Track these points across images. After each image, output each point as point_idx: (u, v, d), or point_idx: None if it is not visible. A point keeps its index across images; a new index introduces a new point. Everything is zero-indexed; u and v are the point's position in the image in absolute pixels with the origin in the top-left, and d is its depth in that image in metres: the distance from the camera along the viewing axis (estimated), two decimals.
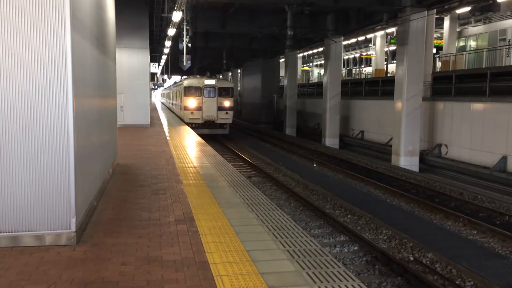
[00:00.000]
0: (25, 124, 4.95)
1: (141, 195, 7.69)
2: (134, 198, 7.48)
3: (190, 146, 14.84)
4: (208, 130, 26.00)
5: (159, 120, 28.10)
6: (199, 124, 25.89)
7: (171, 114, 37.80)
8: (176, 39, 24.83)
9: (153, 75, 43.61)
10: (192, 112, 25.83)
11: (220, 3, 24.34)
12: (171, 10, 18.08)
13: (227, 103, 26.36)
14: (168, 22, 21.84)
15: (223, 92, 26.38)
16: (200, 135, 19.79)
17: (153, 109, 43.31)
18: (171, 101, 43.81)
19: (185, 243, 5.26)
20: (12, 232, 5.04)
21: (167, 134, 18.88)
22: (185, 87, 26.29)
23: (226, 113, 26.29)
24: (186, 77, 32.83)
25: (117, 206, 7.01)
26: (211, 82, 26.53)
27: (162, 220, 6.19)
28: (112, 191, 8.06)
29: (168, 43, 26.57)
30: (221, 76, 56.84)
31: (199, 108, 25.90)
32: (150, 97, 34.63)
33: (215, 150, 14.19)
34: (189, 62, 23.14)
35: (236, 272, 4.40)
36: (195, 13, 24.58)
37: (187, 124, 25.17)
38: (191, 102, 25.88)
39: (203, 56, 41.83)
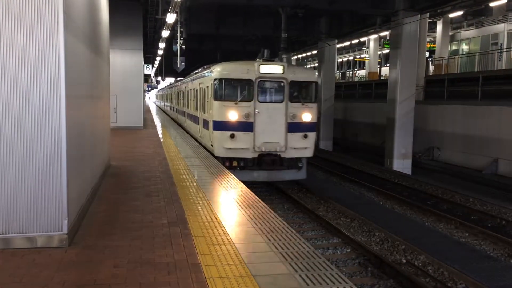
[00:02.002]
0: (17, 125, 4.91)
1: (134, 197, 7.66)
2: (127, 200, 7.45)
3: (183, 148, 14.80)
4: (265, 174, 12.96)
5: (153, 122, 28.01)
6: (246, 161, 12.79)
7: (167, 117, 37.08)
8: (170, 41, 24.83)
9: (146, 76, 43.48)
10: (231, 136, 12.53)
11: (214, 5, 24.35)
12: (165, 12, 18.09)
13: (307, 116, 12.95)
14: (162, 23, 21.84)
15: (298, 90, 13.15)
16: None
17: (147, 111, 43.17)
18: (173, 106, 31.26)
19: (178, 245, 5.24)
20: (3, 234, 4.99)
21: (160, 135, 18.83)
22: (217, 81, 12.93)
23: (305, 136, 12.87)
24: (211, 66, 15.48)
25: (110, 208, 6.97)
26: (275, 69, 12.90)
27: (155, 222, 6.16)
28: (105, 193, 8.02)
29: (162, 45, 26.54)
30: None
31: (248, 127, 12.64)
32: (144, 98, 34.39)
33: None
34: (183, 64, 23.12)
35: (229, 275, 4.39)
36: (189, 15, 24.59)
37: (218, 158, 12.47)
38: (231, 114, 12.56)
39: (197, 59, 41.82)
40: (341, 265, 8.37)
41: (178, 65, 22.94)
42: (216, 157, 12.42)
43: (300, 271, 4.51)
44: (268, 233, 5.72)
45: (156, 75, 56.23)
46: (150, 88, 71.28)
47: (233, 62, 13.54)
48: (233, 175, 9.58)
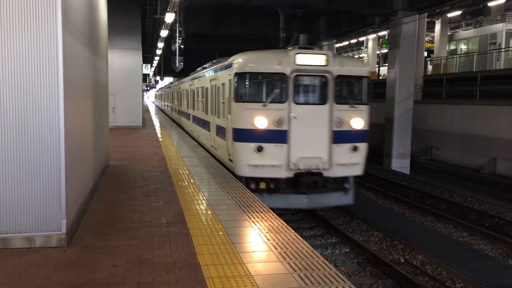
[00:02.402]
0: (16, 125, 4.91)
1: (132, 197, 7.66)
2: (125, 200, 7.45)
3: (182, 147, 14.79)
4: (304, 200, 9.88)
5: (151, 121, 27.99)
6: (278, 182, 9.83)
7: (164, 115, 36.93)
8: (169, 40, 24.78)
9: (145, 76, 43.46)
10: (259, 149, 9.60)
11: (213, 5, 24.35)
12: (163, 12, 18.07)
13: (357, 122, 10.11)
14: (160, 23, 21.82)
15: (346, 88, 10.39)
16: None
17: (146, 110, 43.15)
18: (174, 107, 28.19)
19: (177, 245, 5.24)
20: (1, 233, 4.99)
21: (159, 135, 18.82)
22: (238, 76, 9.92)
23: (354, 148, 10.09)
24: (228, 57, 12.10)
25: (108, 207, 6.97)
26: (317, 60, 9.87)
27: (153, 222, 6.16)
28: (103, 192, 8.02)
29: (160, 45, 26.51)
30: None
31: (280, 137, 9.67)
32: (143, 98, 34.35)
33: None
34: (181, 63, 23.10)
35: (228, 274, 4.39)
36: (188, 15, 24.55)
37: (240, 178, 9.64)
38: (258, 120, 9.61)
39: (196, 58, 41.82)
40: (340, 264, 8.38)
41: (177, 65, 22.92)
42: (238, 177, 9.53)
43: (299, 271, 4.51)
44: (267, 232, 5.72)
45: (154, 74, 56.19)
46: (148, 88, 71.26)
47: (260, 52, 10.38)
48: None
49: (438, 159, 20.49)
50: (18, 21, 4.83)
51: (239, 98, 9.79)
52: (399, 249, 9.06)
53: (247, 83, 9.70)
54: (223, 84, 11.22)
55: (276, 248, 5.15)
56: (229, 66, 10.56)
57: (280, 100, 9.57)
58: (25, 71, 4.89)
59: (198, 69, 19.02)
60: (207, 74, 14.13)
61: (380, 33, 34.28)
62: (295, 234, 5.69)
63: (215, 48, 34.44)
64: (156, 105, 65.42)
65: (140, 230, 5.82)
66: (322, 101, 9.77)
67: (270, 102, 9.54)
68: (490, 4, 24.04)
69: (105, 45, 10.23)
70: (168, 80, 53.93)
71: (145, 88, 61.43)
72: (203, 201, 7.33)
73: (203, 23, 26.60)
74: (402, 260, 8.47)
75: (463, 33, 30.68)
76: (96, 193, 7.89)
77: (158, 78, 56.91)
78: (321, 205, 10.34)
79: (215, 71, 12.67)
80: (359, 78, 10.28)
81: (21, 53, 4.86)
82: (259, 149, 9.46)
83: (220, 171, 10.14)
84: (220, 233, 5.68)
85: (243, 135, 9.66)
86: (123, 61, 21.47)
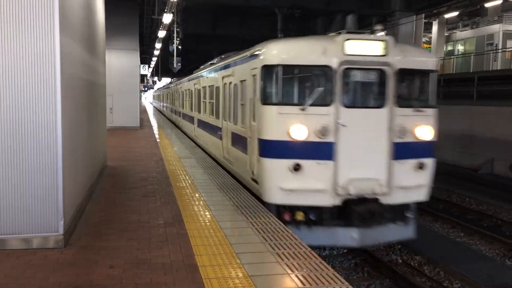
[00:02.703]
0: (13, 125, 4.90)
1: (130, 198, 7.65)
2: (123, 201, 7.44)
3: (180, 148, 14.78)
4: (356, 236, 7.35)
5: (149, 122, 27.97)
6: (321, 212, 7.35)
7: (162, 116, 36.72)
8: (167, 41, 24.79)
9: (143, 77, 43.43)
10: (296, 167, 7.10)
11: (211, 6, 24.35)
12: (161, 12, 18.07)
13: (424, 131, 7.66)
14: (158, 24, 21.83)
15: (409, 86, 8.06)
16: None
17: (143, 111, 43.11)
18: (175, 109, 26.00)
19: (174, 246, 5.24)
20: None
21: (156, 136, 18.80)
22: (266, 70, 7.53)
23: (420, 166, 7.62)
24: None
25: (106, 208, 6.96)
26: (372, 48, 7.43)
27: (151, 223, 6.16)
28: (101, 193, 8.00)
29: (158, 45, 26.52)
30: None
31: (325, 152, 7.22)
32: (140, 99, 34.28)
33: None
34: (179, 64, 23.10)
35: (225, 275, 4.39)
36: (186, 15, 24.55)
37: (269, 206, 7.30)
38: (296, 128, 7.15)
39: (194, 59, 41.82)
40: (338, 265, 8.38)
41: (175, 65, 22.93)
42: (266, 204, 7.30)
43: (297, 272, 4.51)
44: (265, 233, 5.72)
45: (152, 75, 56.15)
46: (146, 89, 71.13)
47: (296, 39, 7.79)
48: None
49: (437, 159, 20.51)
50: (15, 22, 4.82)
51: (268, 99, 7.41)
52: (396, 250, 9.07)
53: (280, 79, 7.30)
54: (242, 81, 9.03)
55: (273, 249, 5.15)
56: (253, 57, 8.23)
57: (324, 102, 7.18)
58: (22, 72, 4.88)
59: (204, 65, 16.75)
60: (218, 70, 11.95)
61: (378, 34, 34.28)
62: (293, 234, 5.69)
63: (213, 48, 34.44)
64: (154, 106, 64.55)
65: (138, 231, 5.81)
66: (379, 103, 7.37)
67: (311, 105, 7.12)
68: (487, 5, 24.12)
69: (103, 46, 10.22)
70: (166, 80, 53.82)
71: (143, 89, 61.35)
72: (201, 202, 7.32)
73: (201, 24, 26.60)
74: (400, 261, 8.48)
75: (460, 34, 30.77)
76: (94, 194, 7.88)
77: (155, 78, 56.88)
78: (377, 242, 7.73)
79: (230, 66, 10.43)
80: (425, 73, 7.86)
81: (19, 54, 4.85)
82: (296, 168, 7.05)
83: (218, 172, 10.13)
84: (218, 234, 5.67)
85: (275, 148, 7.27)
86: (121, 62, 21.45)
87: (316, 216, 7.30)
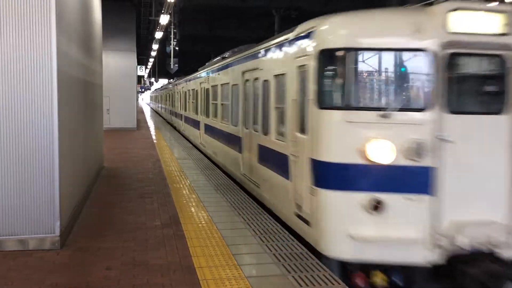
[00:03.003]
0: (9, 127, 4.89)
1: (127, 199, 7.63)
2: (120, 202, 7.42)
3: (176, 149, 14.78)
4: None
5: (146, 123, 27.95)
6: (410, 272, 4.82)
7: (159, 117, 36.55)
8: (164, 42, 24.80)
9: (140, 78, 43.41)
10: (376, 206, 4.70)
11: (208, 7, 24.37)
12: (158, 13, 18.09)
13: None
14: (155, 25, 21.84)
15: None
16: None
17: (140, 112, 43.10)
18: (175, 111, 23.54)
19: (171, 247, 5.23)
20: None
21: (153, 137, 18.79)
22: (325, 56, 5.09)
23: None
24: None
25: (103, 209, 6.95)
26: (489, 24, 4.85)
27: (148, 224, 6.15)
28: (98, 194, 7.99)
29: (155, 46, 26.53)
30: None
31: (419, 183, 4.77)
32: (137, 100, 34.24)
33: None
34: (176, 65, 23.11)
35: (222, 276, 4.39)
36: (183, 17, 24.58)
37: (330, 262, 4.88)
38: (375, 147, 4.75)
39: (191, 60, 41.84)
40: None
41: (172, 67, 22.94)
42: (323, 258, 5.02)
43: (293, 272, 4.52)
44: (262, 234, 5.72)
45: (149, 76, 56.12)
46: (143, 90, 71.07)
47: (371, 12, 5.37)
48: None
49: None
50: (12, 22, 4.81)
51: (329, 101, 5.13)
52: None
53: (349, 70, 4.95)
54: (278, 75, 6.73)
55: (270, 250, 5.15)
56: (300, 40, 5.99)
57: (418, 105, 4.93)
58: (18, 73, 4.87)
59: (211, 61, 14.91)
60: (236, 64, 9.72)
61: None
62: (290, 236, 5.69)
63: (210, 50, 34.47)
64: (151, 108, 63.40)
65: (135, 232, 5.80)
66: (497, 107, 4.98)
67: (398, 110, 4.83)
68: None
69: (99, 47, 10.21)
70: (163, 81, 53.71)
71: (140, 90, 61.30)
72: (198, 203, 7.32)
73: (198, 25, 26.61)
74: None
75: None
76: (91, 195, 7.87)
77: (152, 80, 56.85)
78: None
79: (255, 56, 8.17)
80: None
81: (14, 54, 4.85)
82: (376, 207, 4.78)
83: (215, 173, 10.13)
84: (215, 235, 5.67)
85: (341, 176, 5.00)
86: (118, 63, 21.43)
87: (405, 280, 4.94)
